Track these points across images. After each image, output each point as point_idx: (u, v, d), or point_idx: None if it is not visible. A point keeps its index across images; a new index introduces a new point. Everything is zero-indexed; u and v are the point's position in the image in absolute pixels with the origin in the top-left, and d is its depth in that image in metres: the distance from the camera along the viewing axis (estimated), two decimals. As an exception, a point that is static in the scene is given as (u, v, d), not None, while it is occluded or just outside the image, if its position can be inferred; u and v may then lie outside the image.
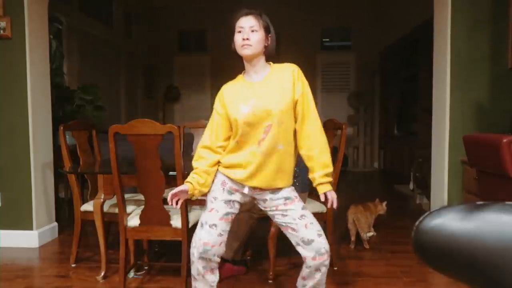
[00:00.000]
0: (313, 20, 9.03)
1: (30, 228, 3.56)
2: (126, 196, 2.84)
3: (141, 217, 2.57)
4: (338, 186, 3.10)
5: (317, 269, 1.97)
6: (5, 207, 3.56)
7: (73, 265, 3.10)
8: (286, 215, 1.97)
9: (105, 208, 2.84)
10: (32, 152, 3.53)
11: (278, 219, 2.01)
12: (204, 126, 4.29)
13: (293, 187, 2.05)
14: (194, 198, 2.02)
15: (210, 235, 1.96)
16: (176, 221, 2.56)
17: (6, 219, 3.55)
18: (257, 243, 3.21)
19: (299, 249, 1.99)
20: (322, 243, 1.94)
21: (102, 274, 2.83)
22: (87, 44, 6.29)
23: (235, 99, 1.99)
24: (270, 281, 2.78)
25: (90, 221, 2.94)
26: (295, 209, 1.97)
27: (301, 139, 1.97)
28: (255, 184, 1.97)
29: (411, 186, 5.71)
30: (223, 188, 2.01)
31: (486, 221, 0.54)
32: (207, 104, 9.49)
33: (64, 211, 4.52)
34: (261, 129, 1.92)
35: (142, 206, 2.60)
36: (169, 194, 1.93)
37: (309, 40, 9.11)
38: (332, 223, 2.97)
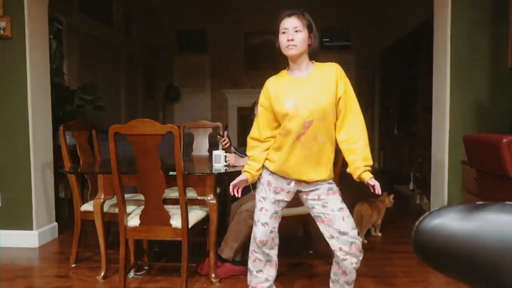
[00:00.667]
0: (313, 20, 9.02)
1: (30, 228, 3.56)
2: (126, 196, 2.84)
3: (141, 217, 2.57)
4: (338, 186, 3.10)
5: (349, 261, 2.06)
6: (5, 207, 3.56)
7: (73, 265, 3.10)
8: (326, 206, 2.08)
9: (105, 208, 2.84)
10: (32, 152, 3.53)
11: (317, 210, 2.10)
12: (204, 126, 4.29)
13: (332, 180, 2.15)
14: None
15: (263, 233, 2.15)
16: (176, 221, 2.55)
17: (6, 219, 3.55)
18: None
19: (333, 241, 2.07)
20: (356, 237, 2.06)
21: (102, 274, 2.83)
22: (87, 44, 6.29)
23: (279, 93, 2.08)
24: (270, 281, 2.78)
25: (90, 221, 2.94)
26: (335, 201, 2.08)
27: (344, 133, 2.07)
28: (299, 177, 2.08)
29: (411, 186, 5.71)
30: (269, 189, 2.15)
31: (486, 221, 0.55)
32: (207, 104, 9.50)
33: (64, 211, 4.52)
34: (302, 124, 2.01)
35: (142, 206, 2.61)
36: (231, 185, 2.12)
37: (309, 40, 9.11)
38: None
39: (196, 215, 2.72)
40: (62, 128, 3.07)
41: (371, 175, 2.04)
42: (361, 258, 2.09)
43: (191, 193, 2.85)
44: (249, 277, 2.30)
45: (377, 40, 8.44)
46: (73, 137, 3.24)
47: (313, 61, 2.13)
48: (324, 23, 9.20)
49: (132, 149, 2.45)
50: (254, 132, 2.19)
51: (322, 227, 2.10)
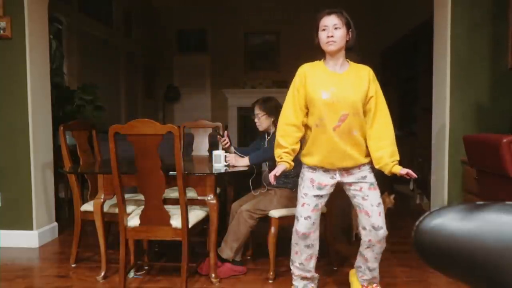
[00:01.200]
0: (313, 20, 9.02)
1: (30, 228, 3.56)
2: (126, 196, 2.84)
3: (141, 217, 2.57)
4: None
5: (373, 250, 2.33)
6: (5, 207, 3.56)
7: (73, 265, 3.10)
8: (367, 200, 2.26)
9: (105, 208, 2.84)
10: (32, 152, 3.52)
11: (358, 200, 2.28)
12: (204, 126, 4.28)
13: (372, 173, 2.31)
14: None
15: (305, 226, 2.30)
16: (176, 221, 2.55)
17: (6, 219, 3.55)
18: (257, 243, 3.21)
19: (365, 232, 2.29)
20: (385, 232, 2.29)
21: (102, 274, 2.83)
22: (87, 44, 6.28)
23: (316, 83, 2.21)
24: (270, 281, 2.78)
25: (90, 221, 2.94)
26: (375, 197, 2.27)
27: (373, 131, 2.24)
28: (341, 165, 2.22)
29: (411, 186, 5.71)
30: (312, 185, 2.30)
31: (486, 221, 0.55)
32: (207, 104, 9.49)
33: (64, 211, 4.52)
34: (338, 117, 2.16)
35: (142, 206, 2.61)
36: (271, 175, 2.23)
37: (309, 40, 9.10)
38: (332, 223, 2.97)
39: (196, 215, 2.72)
40: (62, 128, 3.07)
41: (401, 167, 2.20)
42: (383, 248, 2.34)
43: (191, 193, 2.85)
44: (292, 268, 2.45)
45: (377, 40, 8.44)
46: (73, 137, 3.24)
47: (347, 60, 2.28)
48: (324, 23, 9.21)
49: (132, 149, 2.45)
50: (289, 117, 2.25)
51: (360, 216, 2.31)
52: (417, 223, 0.61)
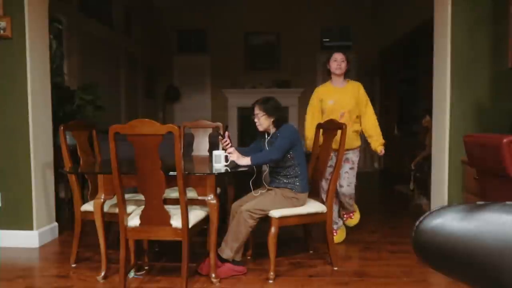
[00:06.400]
0: (313, 20, 9.03)
1: (30, 228, 3.56)
2: (126, 196, 2.84)
3: (141, 217, 2.57)
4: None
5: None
6: (5, 207, 3.56)
7: (73, 265, 3.10)
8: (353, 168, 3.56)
9: (105, 208, 2.84)
10: (32, 152, 3.53)
11: (344, 168, 3.50)
12: (204, 126, 4.30)
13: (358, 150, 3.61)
14: None
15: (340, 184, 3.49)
16: (176, 221, 2.55)
17: (6, 219, 3.55)
18: (257, 243, 3.21)
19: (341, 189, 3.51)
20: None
21: (102, 274, 2.83)
22: (87, 44, 6.28)
23: (326, 95, 3.55)
24: (270, 281, 2.78)
25: (90, 221, 2.94)
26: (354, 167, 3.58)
27: (364, 124, 3.55)
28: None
29: (411, 186, 5.71)
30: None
31: (486, 221, 0.54)
32: (207, 104, 9.50)
33: (64, 211, 4.52)
34: (338, 114, 3.43)
35: (142, 206, 2.60)
36: None
37: (309, 40, 9.12)
38: (332, 223, 2.97)
39: (196, 215, 2.72)
40: (62, 128, 3.07)
41: (381, 148, 3.52)
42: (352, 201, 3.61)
43: (191, 193, 2.85)
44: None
45: (377, 39, 8.45)
46: (73, 137, 3.24)
47: (347, 79, 3.60)
48: (324, 23, 9.22)
49: (132, 149, 2.44)
50: (308, 122, 3.63)
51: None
52: (417, 223, 0.61)
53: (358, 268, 3.08)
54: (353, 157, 3.54)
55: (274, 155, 2.87)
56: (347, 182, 3.49)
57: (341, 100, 3.45)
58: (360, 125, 3.55)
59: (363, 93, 3.52)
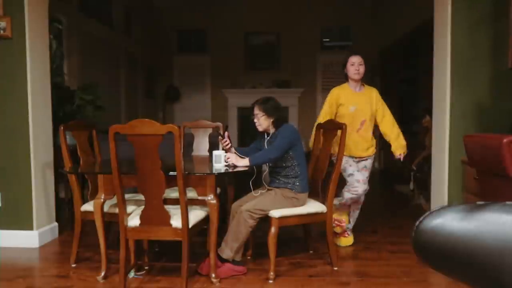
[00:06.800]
0: (313, 20, 9.03)
1: (30, 228, 3.56)
2: (126, 196, 2.84)
3: (141, 217, 2.57)
4: (339, 185, 3.11)
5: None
6: (5, 207, 3.56)
7: (73, 265, 3.10)
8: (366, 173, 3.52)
9: (105, 208, 2.84)
10: (32, 152, 3.52)
11: (363, 175, 3.49)
12: (204, 126, 4.31)
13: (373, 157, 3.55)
14: None
15: (352, 185, 3.43)
16: (176, 221, 2.55)
17: (6, 219, 3.55)
18: (257, 243, 3.21)
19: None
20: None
21: (102, 274, 2.82)
22: (87, 44, 6.28)
23: (345, 100, 3.39)
24: (270, 281, 2.78)
25: (90, 221, 2.94)
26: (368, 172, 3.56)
27: (383, 128, 3.48)
28: (359, 154, 3.43)
29: (411, 186, 5.71)
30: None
31: (486, 221, 0.54)
32: (207, 104, 9.50)
33: (64, 211, 4.52)
34: (359, 122, 3.38)
35: (142, 206, 2.60)
36: None
37: (309, 40, 9.12)
38: (332, 223, 2.97)
39: (196, 215, 2.72)
40: (62, 128, 3.07)
41: (401, 152, 3.45)
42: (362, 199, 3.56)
43: (191, 193, 2.85)
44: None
45: (377, 39, 8.44)
46: (73, 137, 3.23)
47: (363, 83, 3.49)
48: (324, 23, 9.22)
49: (132, 149, 2.44)
50: (320, 119, 3.41)
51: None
52: (417, 223, 0.61)
53: (358, 268, 3.08)
54: (370, 163, 3.53)
55: (272, 154, 2.87)
56: (363, 188, 3.45)
57: (362, 107, 3.37)
58: (380, 129, 3.52)
59: (379, 98, 3.47)
